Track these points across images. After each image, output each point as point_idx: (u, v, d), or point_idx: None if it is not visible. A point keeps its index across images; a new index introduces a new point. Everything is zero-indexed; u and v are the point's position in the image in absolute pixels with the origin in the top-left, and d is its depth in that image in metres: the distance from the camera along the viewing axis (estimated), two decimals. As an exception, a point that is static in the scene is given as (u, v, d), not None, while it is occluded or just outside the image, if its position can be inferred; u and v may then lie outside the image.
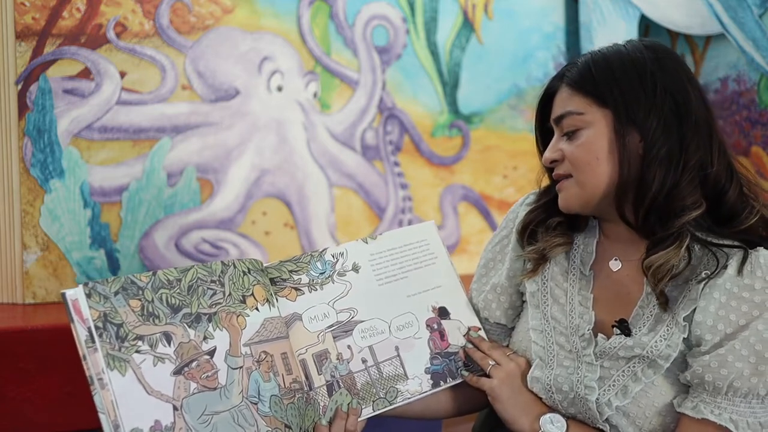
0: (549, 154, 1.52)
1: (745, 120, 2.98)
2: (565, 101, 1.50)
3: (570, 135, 1.49)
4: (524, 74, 3.27)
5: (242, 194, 2.80)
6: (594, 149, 1.46)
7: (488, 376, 1.56)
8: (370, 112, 3.01)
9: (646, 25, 3.26)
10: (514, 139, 3.25)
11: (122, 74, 2.62)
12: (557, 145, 1.51)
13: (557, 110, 1.51)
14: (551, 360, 1.52)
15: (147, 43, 2.66)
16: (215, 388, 1.34)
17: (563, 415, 1.49)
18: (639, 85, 1.45)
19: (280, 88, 2.86)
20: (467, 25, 3.17)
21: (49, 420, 2.13)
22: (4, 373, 2.09)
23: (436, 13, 3.12)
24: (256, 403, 1.37)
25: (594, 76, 1.48)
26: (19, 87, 2.49)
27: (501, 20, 3.23)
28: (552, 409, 1.51)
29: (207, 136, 2.74)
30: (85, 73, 2.57)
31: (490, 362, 1.57)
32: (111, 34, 2.60)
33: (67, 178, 2.54)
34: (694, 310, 1.41)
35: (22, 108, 2.49)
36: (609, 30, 3.17)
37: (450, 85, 3.15)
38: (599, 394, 1.45)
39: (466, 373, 1.59)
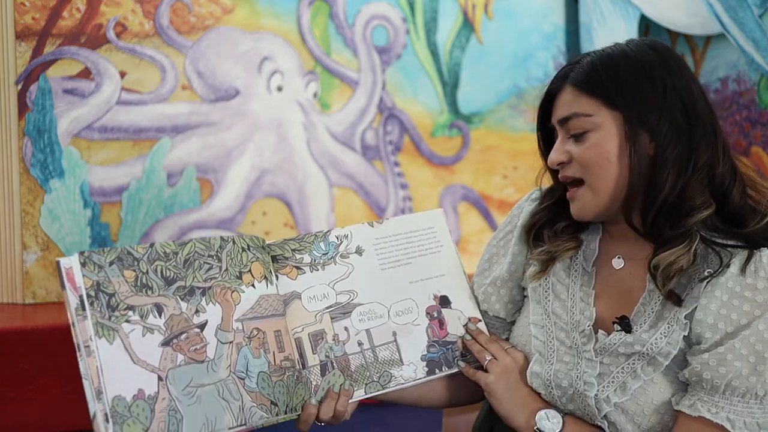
0: (555, 156, 1.48)
1: (745, 120, 2.98)
2: (571, 103, 1.47)
3: (578, 137, 1.46)
4: (524, 74, 3.27)
5: (242, 194, 2.80)
6: (605, 151, 1.44)
7: (485, 369, 1.55)
8: (370, 112, 3.01)
9: (646, 25, 3.26)
10: (514, 139, 3.25)
11: (122, 74, 2.63)
12: (563, 147, 1.48)
13: (562, 111, 1.48)
14: (551, 355, 1.51)
15: (147, 43, 2.67)
16: (203, 361, 1.33)
17: (560, 411, 1.48)
18: (650, 88, 1.43)
19: (280, 88, 2.86)
20: (467, 25, 3.18)
21: (49, 420, 2.13)
22: (4, 373, 2.09)
23: (436, 13, 3.13)
24: (243, 379, 1.37)
25: (602, 77, 1.45)
26: (19, 87, 2.50)
27: (501, 20, 3.23)
28: (549, 405, 1.50)
29: (207, 136, 2.75)
30: (85, 73, 2.58)
31: (487, 356, 1.56)
32: (111, 34, 2.61)
33: (67, 178, 2.54)
34: (696, 308, 1.40)
35: (22, 108, 2.50)
36: (609, 30, 3.17)
37: (450, 85, 3.15)
38: (598, 391, 1.44)
39: (462, 364, 1.57)
